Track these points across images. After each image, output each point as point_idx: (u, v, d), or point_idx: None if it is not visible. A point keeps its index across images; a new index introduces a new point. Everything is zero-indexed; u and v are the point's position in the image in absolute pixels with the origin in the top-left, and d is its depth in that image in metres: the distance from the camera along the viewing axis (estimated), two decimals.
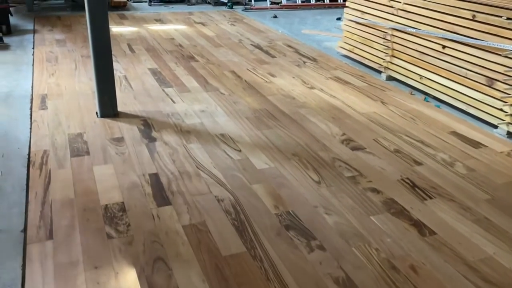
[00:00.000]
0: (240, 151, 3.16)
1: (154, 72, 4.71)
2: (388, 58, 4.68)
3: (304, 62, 5.26)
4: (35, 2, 8.24)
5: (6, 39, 5.73)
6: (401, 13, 4.44)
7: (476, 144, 3.38)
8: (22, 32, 6.20)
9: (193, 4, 8.74)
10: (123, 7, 7.95)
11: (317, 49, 5.85)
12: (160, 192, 2.63)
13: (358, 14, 5.08)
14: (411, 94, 4.34)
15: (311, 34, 6.70)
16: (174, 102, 3.97)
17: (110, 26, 6.69)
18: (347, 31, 5.34)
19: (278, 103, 4.03)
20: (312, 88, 4.43)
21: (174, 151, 3.11)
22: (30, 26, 6.55)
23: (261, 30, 6.86)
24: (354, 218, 2.47)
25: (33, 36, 5.99)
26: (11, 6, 7.83)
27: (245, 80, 4.58)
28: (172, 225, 2.35)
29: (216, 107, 3.89)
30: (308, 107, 3.95)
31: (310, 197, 2.64)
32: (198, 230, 2.33)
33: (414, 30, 4.27)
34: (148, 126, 3.47)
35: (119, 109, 3.76)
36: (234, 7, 8.56)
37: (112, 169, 2.86)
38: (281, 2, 8.77)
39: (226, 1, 8.60)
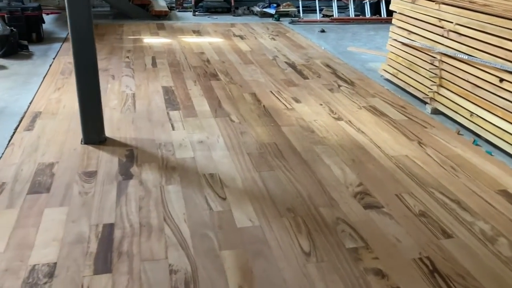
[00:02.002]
0: (224, 199, 2.60)
1: (166, 91, 4.28)
2: (435, 88, 3.93)
3: (339, 86, 4.61)
4: None
5: (33, 47, 5.58)
6: (452, 35, 3.69)
7: None
8: (53, 40, 6.04)
9: (239, 15, 8.31)
10: (164, 16, 7.67)
11: (359, 71, 5.17)
12: (106, 253, 2.14)
13: (405, 33, 4.36)
14: (458, 133, 3.57)
15: (357, 53, 6.02)
16: (173, 128, 3.50)
17: (143, 37, 6.45)
18: (391, 52, 4.63)
19: (292, 136, 3.43)
20: (338, 119, 3.79)
21: (147, 194, 2.61)
22: (64, 34, 6.40)
23: (302, 46, 6.27)
24: None
25: (61, 45, 5.79)
26: (56, 13, 7.82)
27: (264, 105, 4.02)
28: None
29: (218, 138, 3.36)
30: (326, 144, 3.32)
31: (290, 278, 2.03)
32: None
33: (466, 57, 3.51)
34: (131, 159, 3.01)
35: (111, 134, 3.34)
36: (281, 19, 8.03)
37: (64, 214, 2.41)
38: (332, 15, 8.12)
39: (273, 13, 8.09)
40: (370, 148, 3.28)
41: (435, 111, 3.94)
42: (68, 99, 3.97)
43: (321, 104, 4.10)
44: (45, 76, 4.58)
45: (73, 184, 2.69)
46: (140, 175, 2.82)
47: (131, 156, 3.04)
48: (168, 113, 3.78)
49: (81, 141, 3.20)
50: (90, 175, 2.80)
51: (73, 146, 3.15)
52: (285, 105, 4.05)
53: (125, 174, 2.82)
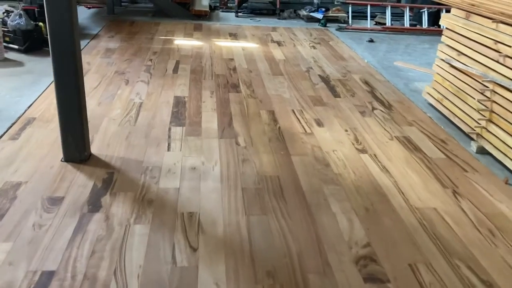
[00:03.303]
0: (195, 250, 2.16)
1: (177, 102, 3.89)
2: (483, 123, 3.29)
3: (373, 109, 4.04)
4: (122, 3, 8.03)
5: None
6: (509, 62, 3.04)
7: None
8: (82, 36, 5.81)
9: (284, 19, 7.82)
10: (204, 16, 7.33)
11: (400, 91, 4.55)
12: None
13: (454, 54, 3.72)
14: (506, 182, 2.93)
15: (403, 68, 5.37)
16: (169, 149, 3.10)
17: (174, 38, 6.13)
18: (438, 74, 3.99)
19: (301, 170, 2.93)
20: (362, 151, 3.24)
21: (107, 235, 2.22)
22: (96, 30, 6.20)
23: (344, 57, 5.69)
24: None
25: (88, 42, 5.58)
26: (98, 7, 7.69)
27: (279, 127, 3.54)
28: None
29: (215, 165, 2.93)
30: (340, 184, 2.80)
31: None
32: None
33: None
34: (107, 185, 2.64)
35: (98, 150, 3.01)
36: (328, 25, 7.46)
37: (5, 252, 2.07)
38: (385, 24, 7.45)
39: (320, 18, 7.54)
40: (392, 195, 2.73)
41: (481, 150, 3.29)
42: None
43: (346, 130, 3.56)
44: None
45: (32, 213, 2.35)
46: (110, 207, 2.44)
47: (108, 182, 2.67)
48: (169, 129, 3.39)
49: (62, 158, 2.87)
50: (54, 202, 2.45)
51: (51, 163, 2.82)
52: (304, 129, 3.54)
53: (94, 204, 2.45)
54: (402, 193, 2.75)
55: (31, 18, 5.44)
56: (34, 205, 2.41)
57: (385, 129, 3.64)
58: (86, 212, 2.38)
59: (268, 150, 3.17)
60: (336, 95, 4.33)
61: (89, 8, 7.62)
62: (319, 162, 3.05)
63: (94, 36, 5.86)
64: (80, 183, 2.64)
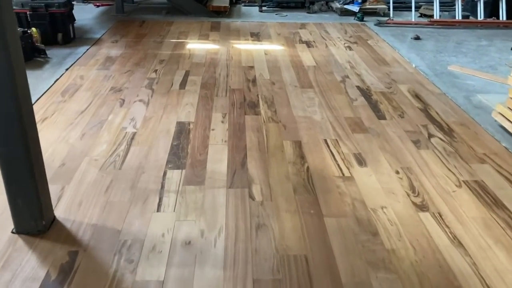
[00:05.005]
0: None
1: (180, 131, 3.11)
2: None
3: (430, 137, 3.14)
4: (135, 0, 7.30)
5: (54, 51, 4.70)
6: None
7: None
8: (82, 41, 5.12)
9: (315, 12, 6.90)
10: (223, 12, 6.50)
11: (461, 109, 3.62)
12: None
13: None
14: None
15: (461, 74, 4.41)
16: (158, 208, 2.32)
17: (188, 41, 5.32)
18: None
19: (338, 244, 2.10)
20: (422, 208, 2.37)
21: None
22: (99, 33, 5.47)
23: (386, 61, 4.77)
24: None
25: (87, 49, 4.84)
26: (106, 5, 6.98)
27: (308, 168, 2.70)
28: None
29: (218, 235, 2.13)
30: (395, 271, 1.95)
31: None
32: None
33: None
34: (65, 275, 1.88)
35: (65, 212, 2.27)
36: (365, 18, 6.50)
37: None
38: (432, 16, 6.43)
39: (356, 11, 6.58)
40: None
41: None
42: (46, 139, 2.94)
43: (398, 172, 2.69)
44: (40, 97, 3.61)
45: None
46: None
47: (67, 269, 1.91)
48: (164, 174, 2.61)
49: (13, 229, 2.13)
50: None
51: None
52: (341, 170, 2.69)
53: None
54: (486, 286, 1.88)
55: (22, 24, 4.78)
56: None
57: (448, 168, 2.75)
58: None
59: (292, 208, 2.35)
60: (380, 116, 3.44)
61: (98, 6, 6.92)
62: (364, 229, 2.21)
63: (96, 41, 5.13)
64: (27, 273, 1.89)
